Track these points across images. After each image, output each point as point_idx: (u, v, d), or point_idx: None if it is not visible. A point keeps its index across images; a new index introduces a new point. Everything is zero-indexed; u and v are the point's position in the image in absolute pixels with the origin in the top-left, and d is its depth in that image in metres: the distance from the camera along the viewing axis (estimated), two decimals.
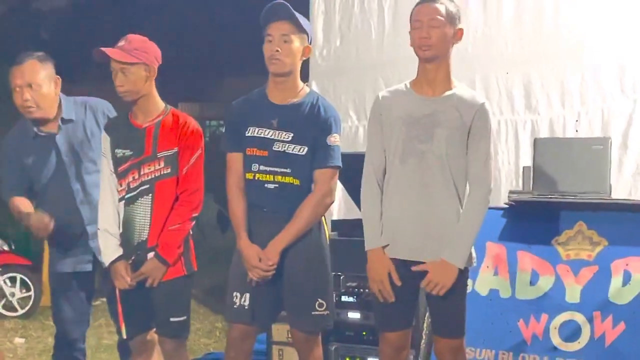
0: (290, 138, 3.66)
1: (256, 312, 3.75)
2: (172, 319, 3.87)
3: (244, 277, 3.72)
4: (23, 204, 4.19)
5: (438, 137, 3.42)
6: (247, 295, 3.74)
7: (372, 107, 3.63)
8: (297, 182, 3.68)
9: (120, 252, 3.85)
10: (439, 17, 3.42)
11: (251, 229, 3.74)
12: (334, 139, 3.69)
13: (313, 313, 3.71)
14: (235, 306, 3.75)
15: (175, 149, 3.82)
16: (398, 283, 3.47)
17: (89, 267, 4.25)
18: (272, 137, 3.68)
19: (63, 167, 4.20)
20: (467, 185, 3.48)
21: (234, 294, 3.76)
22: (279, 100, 3.72)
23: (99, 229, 3.90)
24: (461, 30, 3.49)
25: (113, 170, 3.87)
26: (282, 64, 3.64)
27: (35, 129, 4.22)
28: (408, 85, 3.56)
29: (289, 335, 4.43)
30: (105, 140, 3.92)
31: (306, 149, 3.66)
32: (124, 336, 3.96)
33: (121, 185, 3.85)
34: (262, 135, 3.69)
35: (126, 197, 3.84)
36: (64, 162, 4.20)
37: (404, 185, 3.46)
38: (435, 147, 3.43)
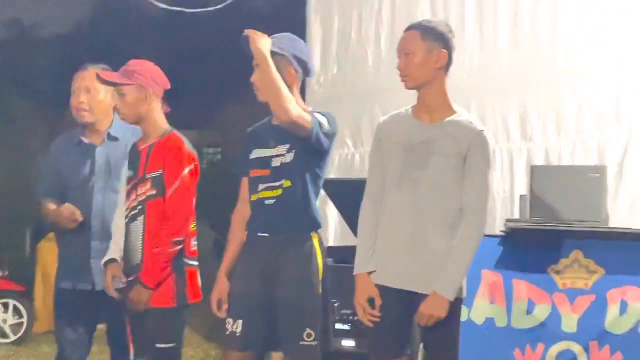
0: (286, 149, 3.68)
1: (248, 339, 3.71)
2: (157, 345, 3.83)
3: (237, 303, 3.70)
4: (52, 206, 4.22)
5: (433, 164, 3.38)
6: (240, 322, 3.70)
7: (375, 132, 3.63)
8: (288, 183, 3.67)
9: (116, 255, 3.90)
10: (412, 44, 3.38)
11: (247, 256, 3.72)
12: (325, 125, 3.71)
13: (301, 343, 3.64)
14: (227, 332, 3.71)
15: (161, 171, 3.82)
16: (377, 313, 3.43)
17: (87, 286, 4.21)
18: (271, 154, 3.71)
19: (92, 179, 4.23)
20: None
21: (227, 320, 3.73)
22: (277, 121, 3.71)
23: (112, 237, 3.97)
24: (444, 52, 3.39)
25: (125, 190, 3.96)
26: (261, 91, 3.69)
27: (80, 136, 4.29)
28: (409, 111, 3.52)
29: None
30: (126, 162, 4.02)
31: (294, 151, 3.67)
32: (131, 356, 3.95)
33: (127, 205, 3.92)
34: (262, 155, 3.72)
35: (128, 216, 3.90)
36: (94, 174, 4.23)
37: (398, 211, 3.43)
38: (429, 174, 3.38)
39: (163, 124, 3.95)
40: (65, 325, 4.28)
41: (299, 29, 6.44)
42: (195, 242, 3.96)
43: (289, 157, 3.68)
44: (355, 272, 3.50)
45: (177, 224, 3.81)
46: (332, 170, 6.10)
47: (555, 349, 4.32)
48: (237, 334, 3.69)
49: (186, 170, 3.85)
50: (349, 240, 5.14)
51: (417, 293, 3.39)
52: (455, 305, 3.40)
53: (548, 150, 5.27)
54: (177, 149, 3.86)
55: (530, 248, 4.52)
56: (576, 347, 4.28)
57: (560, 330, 4.32)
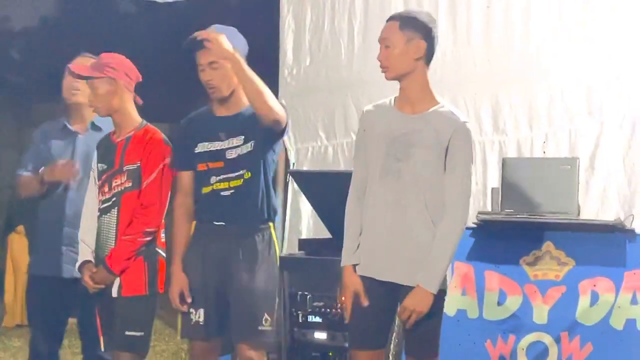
0: (242, 141, 3.71)
1: (211, 327, 3.75)
2: (127, 333, 3.85)
3: (197, 293, 3.74)
4: (34, 174, 4.27)
5: (414, 156, 3.36)
6: (202, 310, 3.75)
7: (359, 120, 3.61)
8: (248, 175, 3.71)
9: (89, 257, 3.92)
10: (391, 35, 3.38)
11: (201, 246, 3.76)
12: None
13: (259, 328, 3.70)
14: (191, 323, 3.76)
15: (138, 163, 3.85)
16: (365, 303, 3.41)
17: (58, 273, 4.22)
18: (223, 147, 3.73)
19: None
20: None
21: (190, 310, 3.76)
22: (224, 113, 3.77)
23: (79, 239, 3.99)
24: (422, 43, 3.38)
25: (96, 184, 3.96)
26: (218, 89, 3.72)
27: (65, 122, 4.36)
28: (392, 101, 3.51)
29: None
30: (94, 155, 4.03)
31: (253, 142, 3.70)
32: (102, 348, 3.99)
33: (99, 199, 3.93)
34: (213, 149, 3.73)
35: (100, 209, 3.92)
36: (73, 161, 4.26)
37: (380, 203, 3.42)
38: (411, 166, 3.37)
39: (136, 117, 3.98)
40: (37, 314, 4.30)
41: (272, 20, 6.42)
42: (164, 234, 3.96)
43: (246, 148, 3.70)
44: (342, 264, 3.49)
45: (150, 214, 3.84)
46: (305, 162, 6.08)
47: (527, 340, 4.34)
48: (201, 323, 3.74)
49: (163, 163, 3.87)
50: (321, 232, 5.13)
51: (400, 285, 3.39)
52: (439, 297, 3.39)
53: (520, 143, 5.28)
54: (156, 142, 3.90)
55: (502, 240, 4.54)
56: (547, 338, 4.30)
57: (532, 322, 4.34)
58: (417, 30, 3.39)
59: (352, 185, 3.54)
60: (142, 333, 3.88)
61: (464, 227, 3.41)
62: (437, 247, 3.34)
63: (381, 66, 3.42)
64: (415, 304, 3.32)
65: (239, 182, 3.71)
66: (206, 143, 3.75)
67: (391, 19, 3.44)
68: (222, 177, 3.72)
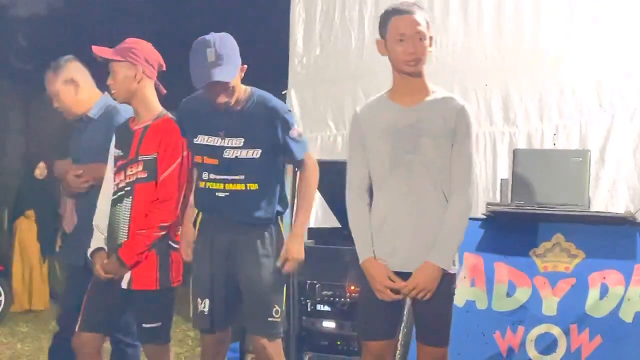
0: (242, 144, 3.66)
1: (216, 318, 3.75)
2: (144, 325, 3.85)
3: (203, 283, 3.75)
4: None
5: (424, 146, 3.37)
6: (207, 301, 3.75)
7: (351, 123, 3.59)
8: (254, 186, 3.67)
9: (102, 244, 3.87)
10: (422, 29, 3.35)
11: (209, 236, 3.76)
12: (295, 132, 3.74)
13: (269, 319, 3.71)
14: (198, 312, 3.77)
15: (155, 155, 3.79)
16: (402, 284, 3.34)
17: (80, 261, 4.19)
18: (222, 144, 3.68)
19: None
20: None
21: (197, 300, 3.78)
22: (225, 108, 3.70)
23: (93, 224, 3.95)
24: (431, 37, 3.40)
25: (112, 169, 3.91)
26: None
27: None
28: (385, 97, 3.50)
29: None
30: (112, 139, 3.97)
31: (260, 151, 3.66)
32: (77, 328, 3.89)
33: (114, 184, 3.89)
34: (211, 144, 3.69)
35: (114, 197, 3.87)
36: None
37: (395, 196, 3.40)
38: (422, 156, 3.36)
39: (156, 106, 3.92)
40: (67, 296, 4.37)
41: (283, 10, 6.41)
42: (180, 227, 3.92)
43: (248, 154, 3.66)
44: (362, 260, 3.44)
45: (166, 209, 3.78)
46: (314, 152, 6.05)
47: (536, 331, 4.33)
48: (205, 313, 3.75)
49: (182, 157, 3.83)
50: (330, 222, 5.13)
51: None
52: (449, 280, 3.38)
53: (530, 135, 5.29)
54: (173, 134, 3.83)
55: (512, 231, 4.52)
56: (556, 330, 4.29)
57: (541, 313, 4.33)
58: (430, 24, 3.41)
59: (351, 185, 3.51)
60: (159, 323, 3.86)
61: (471, 206, 3.43)
62: (448, 224, 3.35)
63: (411, 59, 3.35)
64: (424, 281, 3.31)
65: (238, 187, 3.67)
66: (205, 136, 3.71)
67: (415, 11, 3.36)
68: (215, 176, 3.69)
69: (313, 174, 3.84)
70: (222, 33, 3.65)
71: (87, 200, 4.17)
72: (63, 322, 4.35)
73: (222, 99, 3.61)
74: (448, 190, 3.38)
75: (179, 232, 3.88)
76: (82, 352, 3.88)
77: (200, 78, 3.55)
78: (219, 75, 3.52)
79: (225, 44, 3.58)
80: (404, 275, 3.38)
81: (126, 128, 3.93)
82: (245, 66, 3.66)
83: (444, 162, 3.37)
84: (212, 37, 3.58)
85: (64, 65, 4.33)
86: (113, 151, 3.92)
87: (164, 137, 3.80)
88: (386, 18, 3.42)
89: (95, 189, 4.08)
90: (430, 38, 3.40)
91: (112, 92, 3.91)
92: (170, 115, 3.91)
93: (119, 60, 3.83)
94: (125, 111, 4.11)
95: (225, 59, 3.55)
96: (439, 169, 3.37)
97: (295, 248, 3.71)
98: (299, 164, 3.84)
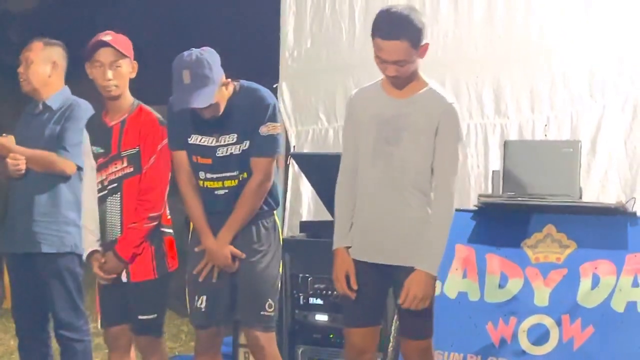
0: (234, 139, 3.65)
1: (212, 314, 3.75)
2: (140, 317, 3.88)
3: (200, 279, 3.74)
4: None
5: (405, 139, 3.38)
6: (204, 297, 3.75)
7: (346, 106, 3.60)
8: (245, 175, 3.68)
9: (95, 246, 3.88)
10: (404, 57, 3.29)
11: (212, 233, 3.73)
12: (266, 129, 3.65)
13: (262, 313, 3.72)
14: (194, 309, 3.77)
15: (137, 148, 3.81)
16: (354, 287, 3.44)
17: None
18: (215, 144, 3.67)
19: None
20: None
21: (194, 296, 3.77)
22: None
23: (81, 224, 3.99)
24: (427, 45, 3.37)
25: (93, 168, 3.90)
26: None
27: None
28: (379, 85, 3.51)
29: None
30: (86, 137, 3.96)
31: (247, 142, 3.66)
32: (99, 326, 4.03)
33: (98, 182, 3.89)
34: (204, 144, 3.69)
35: (99, 195, 3.88)
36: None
37: (373, 187, 3.43)
38: (402, 149, 3.39)
39: (129, 98, 3.94)
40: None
41: (273, 3, 6.38)
42: (169, 211, 3.96)
43: (239, 148, 3.65)
44: (334, 247, 3.50)
45: (153, 199, 3.80)
46: (306, 145, 6.07)
47: (528, 322, 4.34)
48: (202, 310, 3.75)
49: (161, 145, 3.83)
50: (322, 215, 5.13)
51: (392, 265, 3.40)
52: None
53: (522, 126, 5.28)
54: (151, 124, 3.84)
55: (503, 223, 4.53)
56: (548, 321, 4.30)
57: (533, 304, 4.34)
58: (423, 37, 3.34)
59: (342, 169, 3.55)
60: (155, 315, 3.91)
61: (453, 208, 3.44)
62: (434, 229, 3.37)
63: (394, 78, 3.36)
64: (422, 290, 3.35)
65: (234, 183, 3.68)
66: (198, 136, 3.69)
67: (399, 37, 3.27)
68: (212, 175, 3.69)
69: (257, 187, 3.65)
70: (202, 48, 3.57)
71: (23, 183, 4.18)
72: (17, 317, 4.47)
73: (207, 114, 3.60)
74: (423, 187, 3.38)
75: (168, 217, 3.90)
76: (115, 345, 3.98)
77: (178, 102, 3.52)
78: (195, 101, 3.47)
79: (202, 63, 3.49)
80: (380, 267, 3.41)
81: (100, 123, 3.91)
82: (229, 80, 3.62)
83: (424, 159, 3.37)
84: (189, 56, 3.51)
85: (55, 45, 4.39)
86: (90, 148, 3.91)
87: (143, 129, 3.82)
88: (373, 31, 3.38)
89: (31, 174, 4.12)
90: (422, 46, 3.34)
91: (112, 89, 3.85)
92: (142, 104, 3.92)
93: (126, 57, 3.85)
94: (86, 106, 4.15)
95: (202, 80, 3.47)
96: (416, 164, 3.37)
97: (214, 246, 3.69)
98: (253, 165, 3.68)
